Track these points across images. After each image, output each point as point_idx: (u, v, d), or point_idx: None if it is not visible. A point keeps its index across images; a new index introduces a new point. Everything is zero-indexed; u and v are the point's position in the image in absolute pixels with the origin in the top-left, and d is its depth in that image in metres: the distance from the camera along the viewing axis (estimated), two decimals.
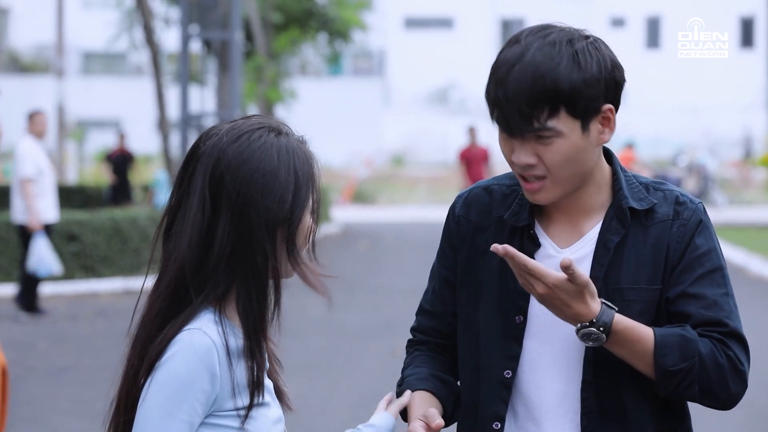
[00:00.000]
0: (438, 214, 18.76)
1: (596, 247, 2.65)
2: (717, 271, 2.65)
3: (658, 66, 52.80)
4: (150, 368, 2.29)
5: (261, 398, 2.34)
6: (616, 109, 2.64)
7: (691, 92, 52.19)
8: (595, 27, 54.26)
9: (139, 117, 44.93)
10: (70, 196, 22.00)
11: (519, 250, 2.63)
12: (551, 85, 2.54)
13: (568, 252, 2.68)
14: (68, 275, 14.93)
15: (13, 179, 13.19)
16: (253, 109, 25.28)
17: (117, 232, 15.59)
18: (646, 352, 2.58)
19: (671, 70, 51.21)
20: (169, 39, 28.08)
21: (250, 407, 2.32)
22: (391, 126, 50.63)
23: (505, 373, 2.69)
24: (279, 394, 2.43)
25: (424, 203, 35.85)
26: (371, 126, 49.91)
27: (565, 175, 2.61)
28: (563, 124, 2.57)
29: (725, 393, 2.60)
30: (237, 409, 2.31)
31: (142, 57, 44.68)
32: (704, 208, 2.72)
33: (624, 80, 2.64)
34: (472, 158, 21.94)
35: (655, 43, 54.77)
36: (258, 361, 2.34)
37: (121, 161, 23.25)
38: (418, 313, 2.90)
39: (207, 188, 2.33)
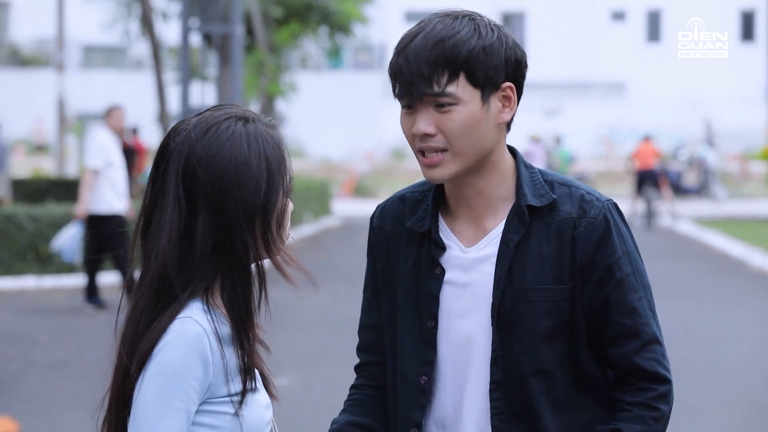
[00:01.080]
0: None
1: (499, 247, 2.64)
2: (632, 275, 2.63)
3: (659, 60, 52.76)
4: (142, 362, 2.28)
5: (254, 384, 2.35)
6: (519, 91, 2.64)
7: (691, 86, 52.14)
8: (596, 21, 54.33)
9: (139, 111, 44.91)
10: (70, 189, 21.95)
11: (427, 255, 2.67)
12: (450, 50, 2.56)
13: (473, 251, 2.66)
14: (69, 268, 14.92)
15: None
16: (254, 103, 25.27)
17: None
18: None
19: (672, 64, 51.16)
20: (170, 33, 28.06)
21: (243, 393, 2.31)
22: (391, 120, 50.46)
23: (421, 378, 2.67)
24: (264, 380, 2.42)
25: None
26: (372, 119, 49.88)
27: (464, 148, 2.59)
28: (462, 90, 2.57)
29: (667, 420, 2.63)
30: (230, 395, 2.31)
31: (143, 50, 44.67)
32: (613, 206, 2.68)
33: (526, 64, 2.65)
34: None
35: (655, 37, 54.72)
36: (247, 349, 2.33)
37: (130, 155, 23.20)
38: (359, 330, 2.86)
39: (181, 185, 2.31)
